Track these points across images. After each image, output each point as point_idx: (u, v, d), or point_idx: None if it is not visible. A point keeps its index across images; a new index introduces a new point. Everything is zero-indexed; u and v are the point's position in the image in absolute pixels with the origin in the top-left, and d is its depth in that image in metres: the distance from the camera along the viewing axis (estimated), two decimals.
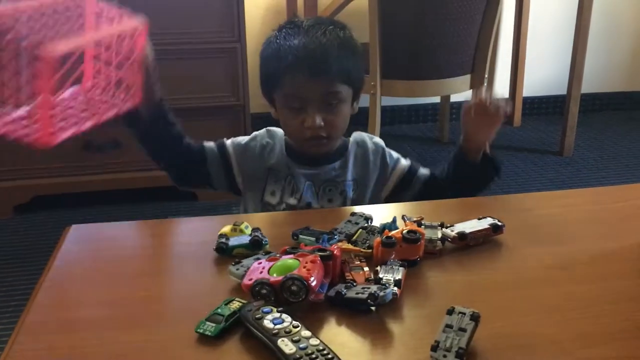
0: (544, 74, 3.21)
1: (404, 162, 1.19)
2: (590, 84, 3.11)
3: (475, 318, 0.65)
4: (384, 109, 2.92)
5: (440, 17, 2.17)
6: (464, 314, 0.66)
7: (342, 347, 0.64)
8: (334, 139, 1.12)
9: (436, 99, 3.04)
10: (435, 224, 0.87)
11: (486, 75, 2.36)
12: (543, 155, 2.74)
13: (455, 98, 2.97)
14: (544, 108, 3.29)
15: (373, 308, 0.71)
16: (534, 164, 2.65)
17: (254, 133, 1.19)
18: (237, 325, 0.67)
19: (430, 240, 0.85)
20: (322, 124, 1.07)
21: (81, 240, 0.90)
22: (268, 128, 1.19)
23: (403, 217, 0.90)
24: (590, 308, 0.73)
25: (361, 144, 1.17)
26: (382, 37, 2.16)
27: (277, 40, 1.10)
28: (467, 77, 2.34)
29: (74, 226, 0.93)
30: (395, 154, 1.20)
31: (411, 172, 1.17)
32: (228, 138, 1.19)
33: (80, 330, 0.68)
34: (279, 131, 1.18)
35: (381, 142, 1.19)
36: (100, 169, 2.17)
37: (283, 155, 1.14)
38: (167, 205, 2.22)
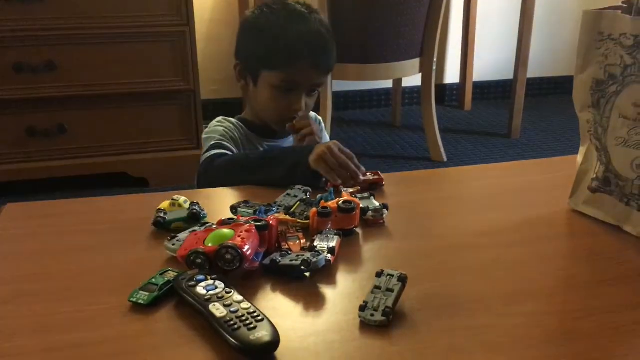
0: (493, 59, 3.29)
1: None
2: (537, 69, 3.20)
3: (402, 279, 0.67)
4: (337, 95, 2.94)
5: (389, 0, 2.20)
6: (392, 275, 0.68)
7: (275, 310, 0.66)
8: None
9: (388, 84, 3.08)
10: (365, 195, 0.90)
11: (435, 59, 2.41)
12: (492, 138, 2.82)
13: (407, 83, 3.02)
14: (492, 92, 3.37)
15: (307, 274, 0.73)
16: (483, 146, 2.72)
17: (219, 126, 1.20)
18: (171, 295, 0.68)
19: (376, 210, 0.86)
20: (305, 107, 1.15)
21: (16, 218, 0.89)
22: (220, 119, 1.22)
23: (340, 188, 0.91)
24: (516, 269, 0.76)
25: None
26: (332, 21, 2.17)
27: (278, 21, 1.13)
28: (417, 60, 2.38)
29: (9, 204, 0.91)
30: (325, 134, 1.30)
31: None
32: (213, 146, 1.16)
33: (8, 302, 0.67)
34: (230, 119, 1.22)
35: (320, 118, 1.30)
36: (46, 155, 2.12)
37: (247, 135, 1.20)
38: (117, 192, 2.19)
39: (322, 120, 1.31)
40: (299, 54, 1.11)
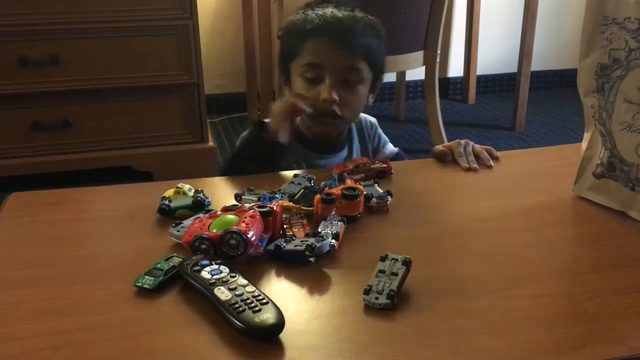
0: (497, 52, 3.27)
1: (392, 148, 1.21)
2: (540, 62, 3.18)
3: (406, 263, 0.67)
4: None
5: None
6: (396, 260, 0.68)
7: (279, 294, 0.66)
8: (346, 121, 1.10)
9: (392, 78, 3.07)
10: (369, 182, 0.90)
11: (438, 52, 2.40)
12: (496, 131, 2.81)
13: (410, 76, 3.01)
14: (497, 86, 3.35)
15: (312, 260, 0.73)
16: (487, 139, 2.71)
17: None
18: (176, 280, 0.68)
19: (381, 197, 0.86)
20: (337, 98, 1.04)
21: (22, 207, 0.89)
22: None
23: (343, 176, 0.91)
24: (520, 254, 0.76)
25: (357, 123, 1.18)
26: None
27: (305, 12, 1.09)
28: (420, 53, 2.37)
29: (14, 194, 0.92)
30: (384, 136, 1.22)
31: (396, 159, 1.19)
32: None
33: (16, 287, 0.68)
34: None
35: (374, 120, 1.22)
36: (51, 149, 2.12)
37: (294, 145, 1.09)
38: None
39: (375, 124, 1.23)
40: (316, 30, 1.04)
